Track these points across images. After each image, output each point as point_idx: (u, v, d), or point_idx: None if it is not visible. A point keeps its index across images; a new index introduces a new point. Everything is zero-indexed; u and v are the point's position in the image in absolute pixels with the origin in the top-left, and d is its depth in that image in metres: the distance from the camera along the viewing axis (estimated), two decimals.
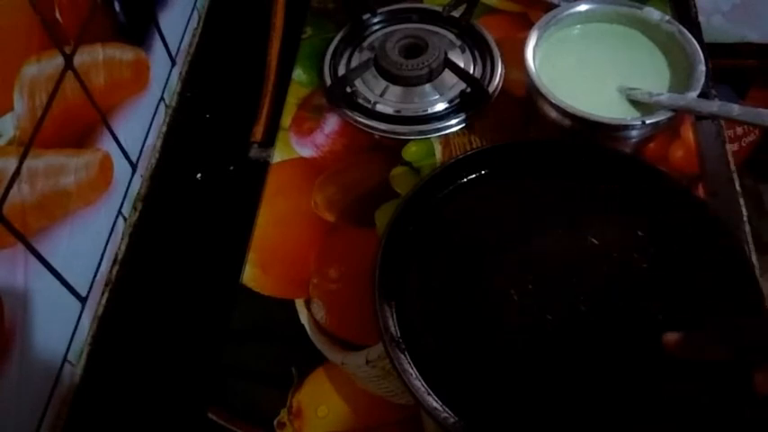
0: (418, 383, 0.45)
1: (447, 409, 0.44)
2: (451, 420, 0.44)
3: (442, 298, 0.50)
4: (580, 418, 0.45)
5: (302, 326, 0.52)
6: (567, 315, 0.48)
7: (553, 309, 0.49)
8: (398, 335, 0.48)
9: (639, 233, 0.51)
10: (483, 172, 0.56)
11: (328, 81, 0.66)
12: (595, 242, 0.52)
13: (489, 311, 0.49)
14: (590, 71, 0.59)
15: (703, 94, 0.55)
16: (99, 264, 0.53)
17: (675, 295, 0.49)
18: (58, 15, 0.46)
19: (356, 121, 0.63)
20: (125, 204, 0.57)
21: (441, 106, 0.63)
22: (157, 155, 0.63)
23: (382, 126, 0.63)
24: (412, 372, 0.46)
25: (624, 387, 0.45)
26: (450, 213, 0.54)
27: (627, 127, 0.55)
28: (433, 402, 0.44)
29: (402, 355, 0.47)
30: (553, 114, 0.56)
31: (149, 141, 0.61)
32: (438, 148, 0.61)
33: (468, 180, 0.56)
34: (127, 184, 0.58)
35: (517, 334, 0.48)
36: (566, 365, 0.47)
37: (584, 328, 0.48)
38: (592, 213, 0.53)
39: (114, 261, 0.56)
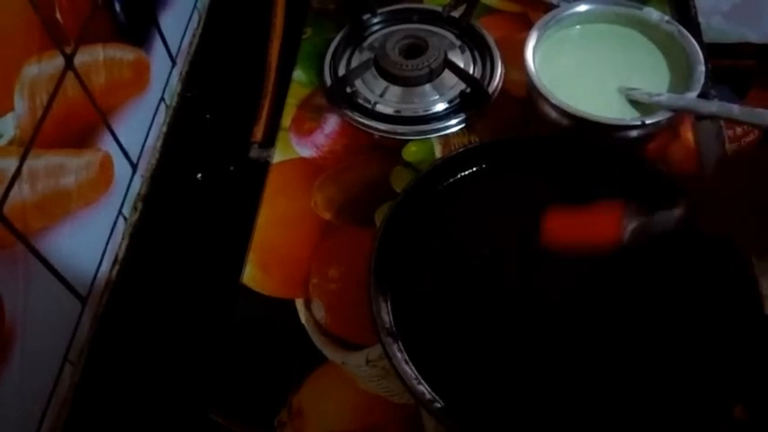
0: (408, 369, 0.45)
1: (435, 395, 0.45)
2: (438, 406, 0.44)
3: (437, 289, 0.51)
4: (572, 409, 0.45)
5: (302, 326, 0.52)
6: (562, 309, 0.48)
7: (547, 304, 0.49)
8: (391, 322, 0.48)
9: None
10: (482, 167, 0.56)
11: (328, 81, 0.66)
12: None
13: (484, 304, 0.50)
14: (590, 71, 0.59)
15: (703, 95, 0.56)
16: (99, 264, 0.53)
17: (674, 294, 0.49)
18: (58, 15, 0.46)
19: (356, 121, 0.63)
20: (125, 204, 0.57)
21: (441, 106, 0.63)
22: (158, 155, 0.63)
23: (382, 126, 0.63)
24: (402, 357, 0.46)
25: (619, 381, 0.46)
26: (448, 207, 0.55)
27: (627, 127, 0.55)
28: (422, 388, 0.45)
29: (394, 342, 0.47)
30: (553, 114, 0.56)
31: (150, 141, 0.61)
32: (438, 149, 0.61)
33: (466, 174, 0.56)
34: (127, 184, 0.58)
35: (511, 327, 0.49)
36: (558, 357, 0.47)
37: (580, 323, 0.48)
38: None
39: (114, 261, 0.56)
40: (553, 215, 0.46)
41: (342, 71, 0.67)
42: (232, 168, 0.64)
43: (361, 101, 0.64)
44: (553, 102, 0.55)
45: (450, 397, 0.45)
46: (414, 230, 0.53)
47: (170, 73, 0.66)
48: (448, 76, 0.65)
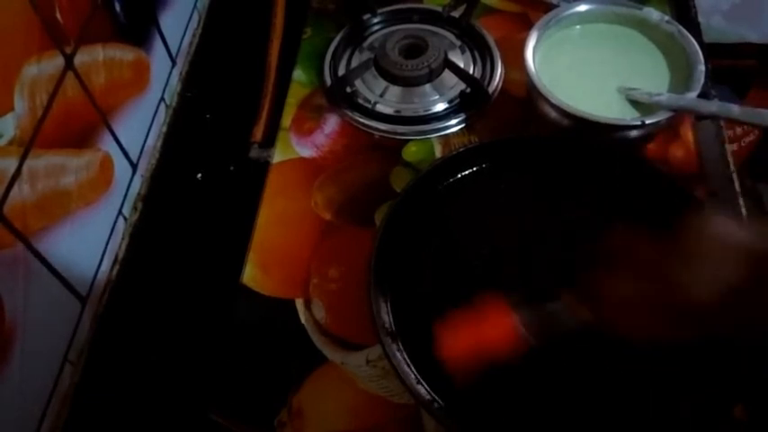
0: (407, 369, 0.46)
1: (435, 395, 0.45)
2: (438, 406, 0.44)
3: (437, 289, 0.51)
4: (572, 409, 0.45)
5: (302, 326, 0.52)
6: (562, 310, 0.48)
7: (547, 304, 0.49)
8: (391, 322, 0.48)
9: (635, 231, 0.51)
10: (482, 167, 0.56)
11: (328, 81, 0.66)
12: (594, 242, 0.52)
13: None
14: (590, 71, 0.59)
15: (703, 94, 0.56)
16: (99, 264, 0.53)
17: None
18: (58, 15, 0.46)
19: (356, 121, 0.63)
20: (125, 204, 0.57)
21: (441, 106, 0.64)
22: (158, 155, 0.63)
23: (382, 126, 0.63)
24: (402, 357, 0.46)
25: (619, 381, 0.45)
26: (448, 207, 0.55)
27: (627, 127, 0.55)
28: (422, 388, 0.45)
29: (394, 342, 0.47)
30: (553, 114, 0.56)
31: (150, 141, 0.61)
32: (438, 149, 0.61)
33: (466, 174, 0.56)
34: (127, 184, 0.58)
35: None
36: (558, 356, 0.47)
37: (581, 325, 0.48)
38: (590, 213, 0.53)
39: (114, 261, 0.56)
40: (444, 329, 0.42)
41: (342, 71, 0.67)
42: (232, 168, 0.64)
43: (361, 101, 0.64)
44: (553, 102, 0.55)
45: (449, 397, 0.45)
46: (414, 230, 0.53)
47: (170, 73, 0.66)
48: (448, 76, 0.65)
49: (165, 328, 0.54)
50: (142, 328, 0.54)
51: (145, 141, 0.61)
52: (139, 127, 0.60)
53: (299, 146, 0.63)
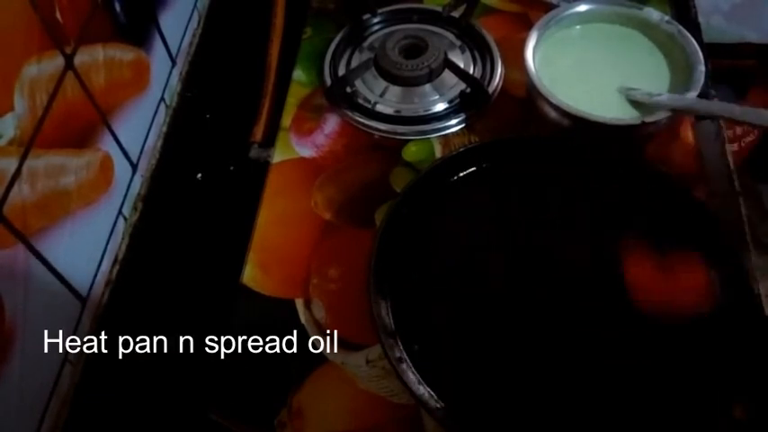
0: (407, 370, 0.46)
1: (435, 396, 0.45)
2: (438, 407, 0.44)
3: (437, 289, 0.51)
4: (573, 409, 0.45)
5: (302, 326, 0.52)
6: (564, 312, 0.48)
7: (548, 305, 0.49)
8: (391, 322, 0.48)
9: (639, 233, 0.51)
10: (482, 167, 0.56)
11: (328, 81, 0.66)
12: (594, 241, 0.52)
13: (484, 305, 0.50)
14: (590, 71, 0.59)
15: (703, 94, 0.56)
16: (99, 264, 0.53)
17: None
18: (58, 15, 0.46)
19: (356, 121, 0.63)
20: (125, 204, 0.57)
21: (441, 106, 0.63)
22: (158, 155, 0.63)
23: (382, 126, 0.63)
24: (402, 357, 0.46)
25: (620, 381, 0.46)
26: (448, 207, 0.55)
27: (627, 127, 0.55)
28: (422, 389, 0.45)
29: (394, 342, 0.47)
30: (553, 114, 0.56)
31: (150, 141, 0.61)
32: (438, 149, 0.61)
33: (466, 174, 0.56)
34: (127, 184, 0.58)
35: (512, 327, 0.48)
36: (559, 357, 0.47)
37: (581, 326, 0.48)
38: (590, 213, 0.54)
39: (114, 261, 0.56)
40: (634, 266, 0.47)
41: (342, 71, 0.67)
42: (232, 168, 0.64)
43: (361, 101, 0.64)
44: (553, 102, 0.55)
45: (450, 398, 0.45)
46: (414, 230, 0.53)
47: (170, 73, 0.66)
48: (448, 76, 0.65)
49: (164, 329, 0.54)
50: (142, 329, 0.54)
51: (145, 141, 0.61)
52: (139, 127, 0.60)
53: (299, 146, 0.63)
